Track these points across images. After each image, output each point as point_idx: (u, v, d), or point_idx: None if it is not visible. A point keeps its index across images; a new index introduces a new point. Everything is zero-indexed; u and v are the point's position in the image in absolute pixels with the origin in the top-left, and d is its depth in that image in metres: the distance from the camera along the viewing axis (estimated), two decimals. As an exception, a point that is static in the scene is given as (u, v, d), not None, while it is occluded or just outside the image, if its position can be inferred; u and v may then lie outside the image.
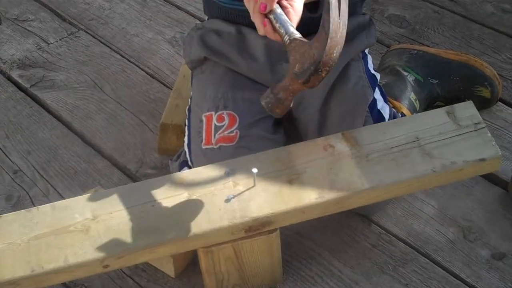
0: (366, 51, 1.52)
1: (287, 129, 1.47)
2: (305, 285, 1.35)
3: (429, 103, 1.70)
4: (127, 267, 1.38)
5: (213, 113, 1.40)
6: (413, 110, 1.62)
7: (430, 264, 1.38)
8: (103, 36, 2.04)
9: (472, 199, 1.51)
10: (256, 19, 1.11)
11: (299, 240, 1.43)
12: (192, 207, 1.20)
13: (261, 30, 1.12)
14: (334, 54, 1.04)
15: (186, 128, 1.47)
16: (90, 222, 1.20)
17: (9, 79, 1.90)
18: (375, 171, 1.24)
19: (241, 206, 1.20)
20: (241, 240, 1.22)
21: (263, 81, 1.46)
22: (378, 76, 1.51)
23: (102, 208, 1.22)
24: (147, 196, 1.23)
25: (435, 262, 1.39)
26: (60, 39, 2.03)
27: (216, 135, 1.38)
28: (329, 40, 1.03)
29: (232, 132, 1.37)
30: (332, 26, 1.03)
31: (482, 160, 1.25)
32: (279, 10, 1.10)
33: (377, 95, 1.46)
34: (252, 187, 1.22)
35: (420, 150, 1.27)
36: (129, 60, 1.94)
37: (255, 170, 1.21)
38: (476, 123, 1.30)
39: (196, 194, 1.23)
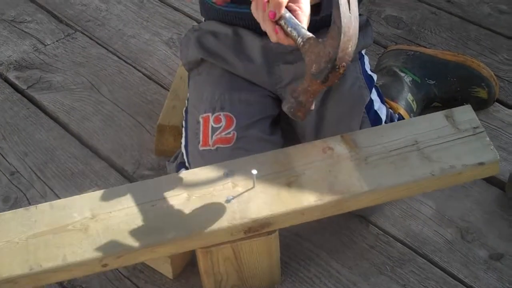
0: (363, 52, 1.52)
1: (285, 130, 1.47)
2: (303, 286, 1.35)
3: (426, 104, 1.70)
4: (125, 268, 1.38)
5: (210, 114, 1.40)
6: (410, 111, 1.62)
7: (428, 264, 1.38)
8: (100, 37, 2.04)
9: (470, 200, 1.51)
10: (267, 27, 1.11)
11: (297, 241, 1.43)
12: (192, 207, 1.20)
13: (273, 38, 1.11)
14: (349, 49, 1.04)
15: (183, 129, 1.47)
16: (89, 221, 1.19)
17: (6, 80, 1.89)
18: (374, 174, 1.24)
19: (241, 207, 1.20)
20: (240, 241, 1.22)
21: (260, 82, 1.46)
22: (375, 77, 1.51)
23: (101, 207, 1.22)
24: (147, 196, 1.23)
25: (433, 263, 1.39)
26: (57, 41, 2.02)
27: (213, 136, 1.38)
28: (342, 36, 1.02)
29: (229, 133, 1.37)
30: (344, 21, 1.02)
31: (481, 164, 1.25)
32: (288, 14, 1.09)
33: (374, 96, 1.46)
34: (252, 188, 1.22)
35: (419, 153, 1.27)
36: (126, 62, 1.94)
37: (254, 172, 1.21)
38: (474, 127, 1.31)
39: (196, 194, 1.22)
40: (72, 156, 1.65)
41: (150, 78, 1.88)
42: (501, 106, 1.75)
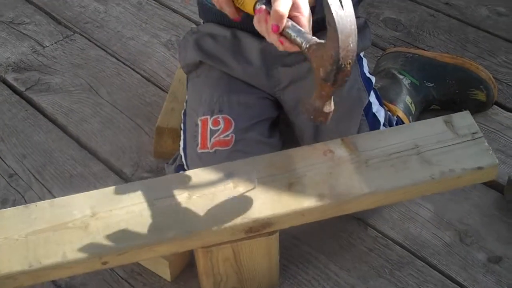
0: (361, 54, 1.52)
1: (283, 132, 1.47)
2: (302, 289, 1.36)
3: (424, 107, 1.70)
4: (123, 271, 1.38)
5: (208, 117, 1.40)
6: (408, 114, 1.62)
7: (427, 267, 1.38)
8: (98, 39, 2.04)
9: (468, 202, 1.51)
10: (272, 40, 1.11)
11: (295, 244, 1.43)
12: (193, 207, 1.20)
13: (280, 48, 1.11)
14: (351, 45, 1.03)
15: (182, 132, 1.47)
16: (89, 219, 1.19)
17: (4, 82, 1.89)
18: (374, 176, 1.25)
19: (242, 207, 1.20)
20: (241, 241, 1.22)
21: (259, 85, 1.46)
22: (373, 79, 1.51)
23: (102, 205, 1.21)
24: (148, 195, 1.23)
25: (431, 266, 1.39)
26: (55, 42, 2.02)
27: (212, 139, 1.37)
28: (339, 35, 1.02)
29: (227, 136, 1.37)
30: (338, 19, 1.02)
31: (480, 168, 1.26)
32: (290, 22, 1.08)
33: (372, 98, 1.46)
34: (253, 189, 1.23)
35: (419, 157, 1.27)
36: (124, 63, 1.94)
37: (256, 172, 1.21)
38: (473, 133, 1.31)
39: (197, 194, 1.23)
40: (71, 158, 1.65)
41: (148, 80, 1.88)
42: (500, 109, 1.75)
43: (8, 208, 1.23)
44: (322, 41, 1.06)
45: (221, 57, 1.46)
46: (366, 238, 1.44)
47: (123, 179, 1.59)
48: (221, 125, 1.39)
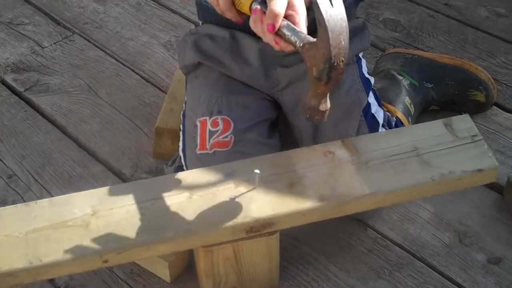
0: (360, 55, 1.52)
1: (283, 133, 1.47)
2: (301, 290, 1.36)
3: (424, 107, 1.70)
4: (122, 272, 1.38)
5: (207, 118, 1.40)
6: (408, 114, 1.62)
7: (426, 268, 1.38)
8: (97, 40, 2.03)
9: (468, 203, 1.51)
10: (268, 40, 1.10)
11: (295, 245, 1.43)
12: (194, 206, 1.20)
13: (276, 48, 1.11)
14: (342, 43, 1.03)
15: (181, 133, 1.47)
16: (89, 218, 1.19)
17: (3, 83, 1.89)
18: (375, 177, 1.25)
19: (243, 207, 1.20)
20: (241, 241, 1.22)
21: (257, 86, 1.46)
22: (372, 80, 1.51)
23: (102, 204, 1.21)
24: (149, 194, 1.23)
25: (431, 267, 1.39)
26: (54, 43, 2.02)
27: (211, 140, 1.37)
28: (330, 33, 1.01)
29: (226, 137, 1.37)
30: (327, 18, 1.02)
31: (480, 170, 1.26)
32: (285, 22, 1.08)
33: (371, 99, 1.46)
34: (254, 188, 1.23)
35: (419, 159, 1.28)
36: (123, 64, 1.94)
37: (257, 171, 1.21)
38: (473, 135, 1.32)
39: (197, 193, 1.22)
40: (70, 159, 1.65)
41: (148, 81, 1.88)
42: (499, 109, 1.75)
43: (8, 206, 1.23)
44: (314, 40, 1.06)
45: (219, 58, 1.46)
46: (366, 239, 1.44)
47: (122, 180, 1.59)
48: (220, 126, 1.38)
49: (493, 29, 2.03)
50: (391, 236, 1.45)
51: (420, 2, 2.15)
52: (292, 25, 1.07)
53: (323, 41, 1.03)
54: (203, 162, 1.35)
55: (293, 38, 1.07)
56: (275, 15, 1.06)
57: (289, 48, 1.09)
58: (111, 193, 1.24)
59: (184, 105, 1.51)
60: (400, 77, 1.69)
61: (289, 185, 1.24)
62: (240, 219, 1.19)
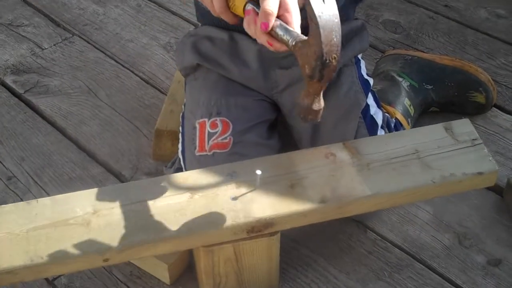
0: (359, 56, 1.52)
1: (282, 134, 1.47)
2: (301, 291, 1.35)
3: (424, 109, 1.70)
4: (122, 274, 1.37)
5: (206, 119, 1.40)
6: (407, 116, 1.62)
7: (426, 270, 1.38)
8: (97, 41, 2.03)
9: (467, 205, 1.51)
10: (262, 41, 1.10)
11: (295, 246, 1.42)
12: (195, 206, 1.20)
13: (270, 48, 1.11)
14: (334, 39, 1.02)
15: (180, 135, 1.47)
16: (90, 216, 1.19)
17: (3, 84, 1.89)
18: (376, 179, 1.25)
19: (244, 207, 1.20)
20: (242, 241, 1.22)
21: (257, 87, 1.46)
22: (371, 81, 1.51)
23: (103, 203, 1.21)
24: (150, 193, 1.23)
25: (430, 269, 1.39)
26: (54, 45, 2.02)
27: (210, 141, 1.37)
28: (321, 30, 1.00)
29: (225, 138, 1.37)
30: (318, 14, 1.00)
31: (480, 173, 1.27)
32: (278, 22, 1.08)
33: (370, 100, 1.46)
34: (255, 189, 1.23)
35: (420, 161, 1.28)
36: (123, 66, 1.94)
37: (258, 172, 1.21)
38: (473, 139, 1.32)
39: (199, 193, 1.23)
40: (70, 160, 1.65)
41: (147, 83, 1.88)
42: (499, 111, 1.75)
43: (9, 204, 1.23)
44: (306, 38, 1.04)
45: (218, 60, 1.46)
46: (365, 241, 1.44)
47: (121, 181, 1.59)
48: (219, 128, 1.38)
49: (493, 30, 2.03)
50: (390, 237, 1.44)
51: (420, 3, 2.15)
52: (285, 25, 1.07)
53: (315, 38, 1.01)
54: (202, 164, 1.35)
55: (285, 38, 1.06)
56: (267, 14, 1.06)
57: (283, 48, 1.08)
58: (112, 192, 1.24)
59: (183, 107, 1.51)
60: (400, 79, 1.69)
61: (290, 186, 1.24)
62: (241, 219, 1.19)
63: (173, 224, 1.18)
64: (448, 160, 1.28)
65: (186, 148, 1.41)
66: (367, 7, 2.13)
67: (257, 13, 1.08)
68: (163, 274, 1.35)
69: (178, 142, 1.47)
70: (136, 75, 1.91)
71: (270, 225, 1.21)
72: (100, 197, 1.23)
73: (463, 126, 1.35)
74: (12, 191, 1.57)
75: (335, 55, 1.02)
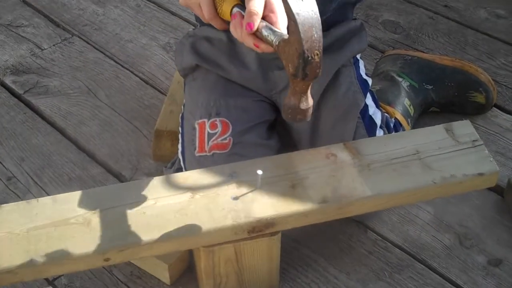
0: (358, 56, 1.52)
1: (281, 135, 1.47)
2: (301, 292, 1.35)
3: (424, 109, 1.70)
4: (122, 274, 1.37)
5: (206, 120, 1.40)
6: (407, 116, 1.62)
7: (426, 270, 1.38)
8: (97, 41, 2.03)
9: (468, 205, 1.50)
10: (247, 43, 1.09)
11: (295, 247, 1.42)
12: (195, 206, 1.20)
13: (258, 51, 1.10)
14: (315, 35, 0.99)
15: (180, 135, 1.47)
16: (91, 216, 1.19)
17: (3, 85, 1.89)
18: (377, 179, 1.25)
19: (245, 207, 1.20)
20: (243, 241, 1.22)
21: (256, 88, 1.45)
22: (370, 81, 1.50)
23: (104, 202, 1.21)
24: (150, 193, 1.23)
25: (431, 269, 1.39)
26: (53, 45, 2.02)
27: (210, 142, 1.37)
28: (300, 26, 0.98)
29: (225, 139, 1.37)
30: (296, 11, 0.99)
31: (481, 174, 1.27)
32: (264, 23, 1.06)
33: (369, 100, 1.46)
34: (256, 189, 1.22)
35: (420, 162, 1.28)
36: (123, 66, 1.94)
37: (259, 172, 1.21)
38: (474, 140, 1.33)
39: (200, 193, 1.22)
40: (69, 161, 1.65)
41: (147, 83, 1.88)
42: (499, 111, 1.75)
43: (9, 203, 1.22)
44: (288, 36, 1.03)
45: (217, 61, 1.45)
46: (366, 241, 1.44)
47: (121, 182, 1.59)
48: (219, 128, 1.38)
49: (493, 30, 2.03)
50: (391, 238, 1.44)
51: (419, 3, 2.15)
52: (270, 26, 1.06)
53: (294, 35, 0.99)
54: (202, 164, 1.35)
55: (270, 38, 1.05)
56: (253, 15, 1.05)
57: (269, 50, 1.07)
58: (113, 191, 1.24)
59: (182, 107, 1.51)
60: (400, 79, 1.69)
61: (291, 186, 1.24)
62: (242, 219, 1.19)
63: (174, 224, 1.18)
64: (449, 161, 1.28)
65: (186, 148, 1.41)
66: (367, 7, 2.13)
67: (243, 16, 1.07)
68: (163, 274, 1.35)
69: (178, 143, 1.47)
70: (136, 75, 1.90)
71: (271, 225, 1.20)
72: (101, 197, 1.23)
73: (464, 127, 1.36)
74: (12, 191, 1.57)
75: (317, 51, 1.00)
